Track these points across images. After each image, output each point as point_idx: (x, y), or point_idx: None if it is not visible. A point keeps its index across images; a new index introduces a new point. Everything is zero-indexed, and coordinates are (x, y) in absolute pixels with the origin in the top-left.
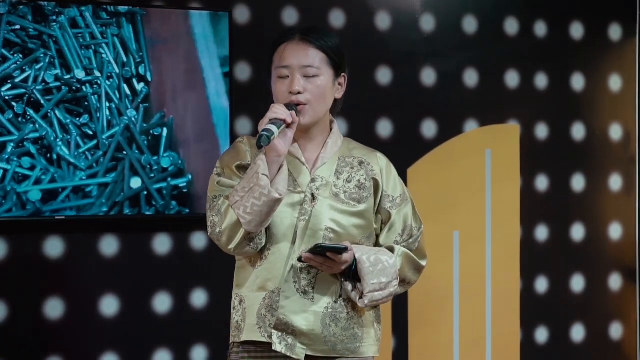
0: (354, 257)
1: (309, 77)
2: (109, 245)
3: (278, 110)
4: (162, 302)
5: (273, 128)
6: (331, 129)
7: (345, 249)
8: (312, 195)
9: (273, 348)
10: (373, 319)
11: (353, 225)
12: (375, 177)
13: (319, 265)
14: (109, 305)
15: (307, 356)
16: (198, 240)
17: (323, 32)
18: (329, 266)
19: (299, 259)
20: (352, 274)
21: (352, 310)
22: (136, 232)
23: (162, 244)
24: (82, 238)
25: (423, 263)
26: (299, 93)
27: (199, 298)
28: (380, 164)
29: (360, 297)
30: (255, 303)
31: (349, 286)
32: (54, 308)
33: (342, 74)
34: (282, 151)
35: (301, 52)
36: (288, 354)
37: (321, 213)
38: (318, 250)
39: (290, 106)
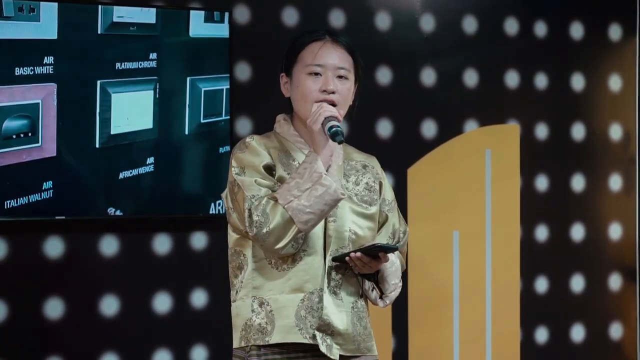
0: None
1: (340, 79)
2: (109, 245)
3: (329, 108)
4: (162, 302)
5: (337, 123)
6: None
7: (397, 249)
8: None
9: (320, 349)
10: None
11: (367, 227)
12: (381, 180)
13: (362, 265)
14: (109, 305)
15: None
16: (198, 240)
17: (349, 38)
18: (371, 266)
19: (337, 259)
20: (376, 274)
21: (367, 309)
22: (136, 232)
23: (162, 244)
24: (82, 238)
25: (405, 266)
26: (332, 92)
27: (199, 298)
28: (380, 169)
29: (380, 297)
30: (290, 305)
31: (368, 286)
32: (54, 308)
33: (357, 83)
34: (334, 151)
35: (337, 53)
36: (328, 355)
37: (344, 215)
38: (372, 250)
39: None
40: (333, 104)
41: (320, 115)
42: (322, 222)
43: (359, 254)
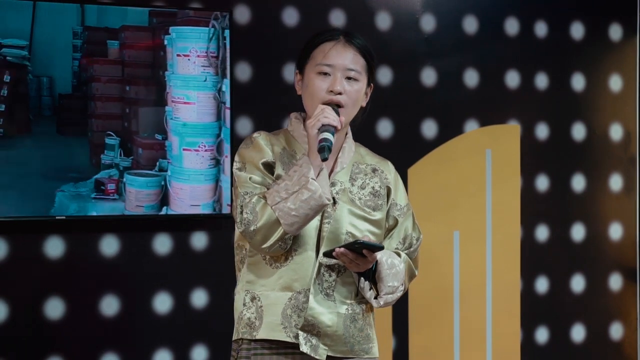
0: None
1: (349, 80)
2: (109, 245)
3: (330, 116)
4: (162, 302)
5: (329, 137)
6: (346, 134)
7: (382, 248)
8: (333, 199)
9: (300, 349)
10: (373, 321)
11: (369, 231)
12: (389, 185)
13: (348, 261)
14: (109, 305)
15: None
16: (198, 240)
17: (364, 39)
18: (358, 264)
19: (327, 254)
20: (372, 274)
21: (365, 311)
22: (136, 232)
23: (162, 244)
24: (82, 238)
25: (416, 272)
26: (339, 94)
27: (199, 298)
28: (392, 173)
29: (375, 298)
30: (278, 302)
31: (366, 286)
32: (54, 308)
33: (371, 84)
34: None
35: (347, 54)
36: (312, 355)
37: (342, 218)
38: (355, 247)
39: (334, 109)
40: (339, 105)
41: (319, 121)
42: (317, 223)
43: (342, 249)
